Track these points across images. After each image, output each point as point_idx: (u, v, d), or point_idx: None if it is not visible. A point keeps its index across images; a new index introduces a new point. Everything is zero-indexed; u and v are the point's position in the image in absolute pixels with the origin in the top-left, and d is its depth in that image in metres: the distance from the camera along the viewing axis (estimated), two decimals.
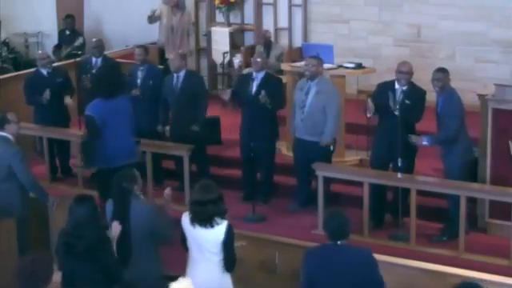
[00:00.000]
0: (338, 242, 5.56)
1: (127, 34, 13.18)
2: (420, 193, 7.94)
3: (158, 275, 6.08)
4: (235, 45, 12.59)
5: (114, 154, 7.84)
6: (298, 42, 12.28)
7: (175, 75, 9.25)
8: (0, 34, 13.88)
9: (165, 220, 6.15)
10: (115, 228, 5.88)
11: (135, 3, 13.00)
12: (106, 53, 10.77)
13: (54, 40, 13.59)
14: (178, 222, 6.06)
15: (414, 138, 7.97)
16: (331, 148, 8.56)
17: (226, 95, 9.19)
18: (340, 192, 8.80)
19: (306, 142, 8.57)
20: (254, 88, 8.89)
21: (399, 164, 8.01)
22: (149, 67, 9.78)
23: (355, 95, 10.47)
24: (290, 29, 12.51)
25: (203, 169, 9.27)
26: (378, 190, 8.23)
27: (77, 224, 5.65)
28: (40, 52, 10.40)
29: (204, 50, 13.13)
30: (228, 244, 5.88)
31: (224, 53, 12.37)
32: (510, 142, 7.88)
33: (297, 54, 11.46)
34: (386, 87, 8.29)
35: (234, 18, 12.86)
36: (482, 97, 8.22)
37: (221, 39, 12.60)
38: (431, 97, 8.18)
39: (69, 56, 12.44)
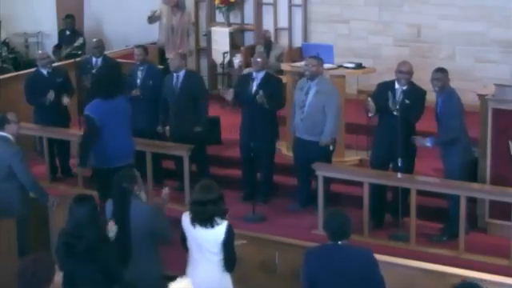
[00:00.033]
0: (339, 242, 5.56)
1: (127, 33, 13.18)
2: (420, 193, 7.94)
3: (158, 275, 6.08)
4: (235, 45, 12.60)
5: (114, 154, 7.84)
6: (298, 41, 12.28)
7: (175, 75, 9.25)
8: (0, 33, 13.87)
9: (164, 220, 6.15)
10: (111, 227, 5.88)
11: (135, 3, 13.00)
12: (106, 53, 10.78)
13: (54, 40, 13.59)
14: (177, 222, 6.06)
15: (417, 140, 7.97)
16: (331, 148, 8.56)
17: (229, 95, 9.16)
18: (340, 192, 8.80)
19: (305, 142, 8.57)
20: (254, 88, 8.88)
21: (399, 164, 8.01)
22: (148, 67, 9.78)
23: (355, 95, 10.47)
24: (290, 29, 12.51)
25: (203, 169, 9.27)
26: (378, 190, 8.23)
27: (77, 224, 5.65)
28: (40, 52, 10.40)
29: (204, 50, 13.14)
30: (228, 244, 5.88)
31: (224, 53, 12.37)
32: (510, 141, 7.88)
33: (297, 54, 11.46)
34: (386, 87, 8.29)
35: (234, 18, 12.86)
36: (482, 97, 8.22)
37: (221, 39, 12.61)
38: (431, 97, 8.18)
39: (69, 56, 12.45)
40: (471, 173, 8.08)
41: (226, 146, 10.03)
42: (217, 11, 12.87)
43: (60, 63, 11.43)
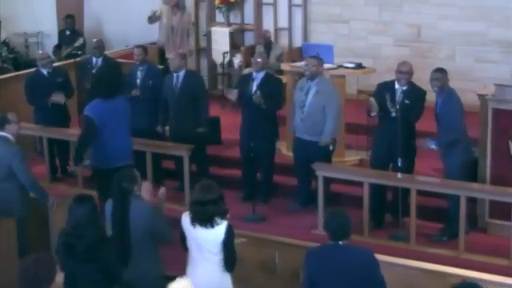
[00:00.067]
0: (340, 242, 5.56)
1: (127, 34, 13.18)
2: (420, 193, 7.94)
3: (158, 275, 6.08)
4: (235, 45, 12.59)
5: (114, 154, 7.83)
6: (298, 41, 12.28)
7: (175, 75, 9.25)
8: (0, 33, 13.87)
9: (163, 220, 6.15)
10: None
11: (135, 3, 13.00)
12: (106, 53, 10.77)
13: (54, 40, 13.59)
14: (177, 222, 6.06)
15: (422, 143, 7.97)
16: (330, 148, 8.56)
17: (233, 95, 9.06)
18: (340, 192, 8.80)
19: (305, 142, 8.58)
20: (254, 88, 8.88)
21: (399, 164, 8.01)
22: (148, 67, 9.78)
23: (355, 95, 10.48)
24: (290, 29, 12.51)
25: (203, 169, 9.27)
26: (377, 190, 8.23)
27: (77, 224, 5.65)
28: (40, 52, 10.39)
29: (204, 50, 13.14)
30: (228, 244, 5.88)
31: (224, 53, 12.37)
32: (510, 141, 7.88)
33: (297, 54, 11.46)
34: (386, 87, 8.29)
35: (234, 18, 12.86)
36: (482, 97, 8.22)
37: (221, 39, 12.60)
38: (431, 97, 8.18)
39: (69, 56, 12.46)
40: (471, 173, 8.08)
41: (226, 146, 10.03)
42: (217, 11, 12.87)
43: (60, 63, 11.43)
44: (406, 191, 7.97)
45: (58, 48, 12.96)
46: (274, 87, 8.90)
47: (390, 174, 8.18)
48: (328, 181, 8.41)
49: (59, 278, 4.81)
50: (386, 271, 5.70)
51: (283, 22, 12.54)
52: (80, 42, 13.09)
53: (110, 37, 13.66)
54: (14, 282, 4.86)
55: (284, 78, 9.88)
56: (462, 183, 7.76)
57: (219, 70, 12.79)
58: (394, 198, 8.24)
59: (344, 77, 9.66)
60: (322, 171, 8.22)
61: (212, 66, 12.97)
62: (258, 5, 12.66)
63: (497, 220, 7.97)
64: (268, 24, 12.55)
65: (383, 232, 8.20)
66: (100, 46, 10.39)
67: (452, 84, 8.08)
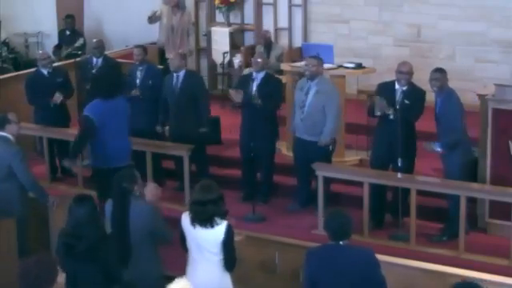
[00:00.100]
0: (341, 242, 5.55)
1: (127, 34, 13.18)
2: (420, 193, 7.94)
3: (158, 275, 6.07)
4: (235, 45, 12.59)
5: (114, 154, 7.83)
6: (298, 41, 12.28)
7: (175, 75, 9.25)
8: (0, 33, 13.87)
9: (163, 220, 6.15)
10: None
11: (135, 3, 13.00)
12: (106, 53, 10.77)
13: (54, 40, 13.59)
14: (177, 222, 6.05)
15: (427, 146, 7.96)
16: (330, 148, 8.56)
17: (239, 97, 8.96)
18: (340, 192, 8.80)
19: (305, 142, 8.58)
20: (254, 88, 8.89)
21: (399, 164, 8.01)
22: (148, 67, 9.78)
23: (355, 95, 10.48)
24: (290, 29, 12.51)
25: (203, 169, 9.27)
26: (377, 190, 8.23)
27: (77, 224, 5.64)
28: (41, 52, 10.39)
29: (204, 50, 13.13)
30: (228, 244, 5.87)
31: (224, 53, 12.37)
32: (510, 141, 7.88)
33: (297, 54, 11.46)
34: (387, 87, 8.30)
35: (234, 18, 12.86)
36: (482, 97, 8.22)
37: (221, 39, 12.60)
38: (431, 97, 8.18)
39: (69, 56, 12.45)
40: (471, 173, 8.08)
41: (226, 146, 10.03)
42: (217, 11, 12.87)
43: (60, 63, 11.43)
44: (406, 191, 7.97)
45: (58, 48, 12.95)
46: (273, 87, 8.90)
47: (390, 174, 8.18)
48: (328, 181, 8.41)
49: (61, 278, 4.80)
50: (386, 271, 5.70)
51: (283, 22, 12.54)
52: (80, 42, 13.10)
53: (110, 37, 13.66)
54: (14, 282, 4.86)
55: (284, 78, 9.88)
56: (462, 183, 7.76)
57: (219, 69, 12.79)
58: (394, 198, 8.24)
59: (344, 77, 9.66)
60: (321, 171, 8.22)
61: (212, 65, 12.96)
62: (258, 5, 12.66)
63: (497, 220, 7.97)
64: (268, 24, 12.55)
65: (383, 232, 8.21)
66: (100, 47, 10.39)
67: (452, 84, 8.08)
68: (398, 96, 8.14)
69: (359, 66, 9.87)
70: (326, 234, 5.64)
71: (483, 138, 8.15)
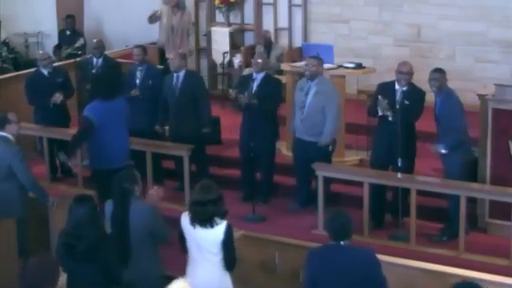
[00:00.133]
0: (341, 243, 5.55)
1: (127, 34, 13.18)
2: (420, 193, 7.94)
3: (158, 275, 6.07)
4: (235, 45, 12.60)
5: (114, 154, 7.83)
6: (298, 41, 12.28)
7: (175, 75, 9.24)
8: (0, 33, 13.87)
9: (163, 220, 6.15)
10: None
11: (135, 3, 13.00)
12: (106, 53, 10.77)
13: (54, 40, 13.59)
14: (177, 222, 6.05)
15: (432, 148, 7.96)
16: (330, 148, 8.56)
17: (244, 99, 8.82)
18: (340, 192, 8.80)
19: (305, 142, 8.57)
20: (254, 88, 8.89)
21: (399, 164, 8.01)
22: (148, 67, 9.78)
23: (355, 95, 10.47)
24: (290, 29, 12.51)
25: (202, 169, 9.27)
26: (377, 190, 8.23)
27: (77, 224, 5.64)
28: (41, 52, 10.39)
29: (204, 50, 13.14)
30: (228, 244, 5.87)
31: (224, 53, 12.37)
32: (510, 141, 7.88)
33: (297, 54, 11.46)
34: (386, 88, 8.29)
35: (234, 18, 12.86)
36: (482, 97, 8.22)
37: (221, 39, 12.60)
38: (431, 97, 8.18)
39: (69, 56, 12.45)
40: (471, 173, 8.09)
41: (226, 146, 10.03)
42: (217, 11, 12.87)
43: (60, 63, 11.43)
44: (406, 191, 7.97)
45: (58, 48, 12.96)
46: (273, 88, 8.91)
47: (390, 174, 8.18)
48: (328, 181, 8.41)
49: (62, 279, 4.80)
50: (386, 271, 5.70)
51: (283, 22, 12.54)
52: (80, 42, 13.10)
53: (110, 37, 13.67)
54: (14, 282, 4.85)
55: (284, 78, 9.89)
56: (462, 183, 7.77)
57: (219, 70, 12.79)
58: (394, 198, 8.24)
59: (344, 77, 9.65)
60: (321, 171, 8.22)
61: (212, 65, 12.97)
62: (258, 5, 12.66)
63: (497, 220, 7.97)
64: (268, 24, 12.55)
65: (383, 232, 8.21)
66: (100, 47, 10.39)
67: (452, 84, 8.08)
68: (398, 96, 8.14)
69: (359, 66, 9.87)
70: (326, 234, 5.65)
71: (483, 138, 8.15)
